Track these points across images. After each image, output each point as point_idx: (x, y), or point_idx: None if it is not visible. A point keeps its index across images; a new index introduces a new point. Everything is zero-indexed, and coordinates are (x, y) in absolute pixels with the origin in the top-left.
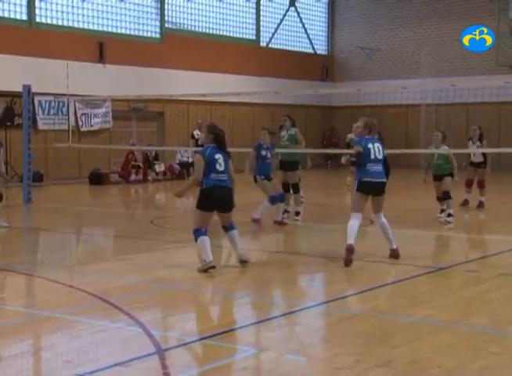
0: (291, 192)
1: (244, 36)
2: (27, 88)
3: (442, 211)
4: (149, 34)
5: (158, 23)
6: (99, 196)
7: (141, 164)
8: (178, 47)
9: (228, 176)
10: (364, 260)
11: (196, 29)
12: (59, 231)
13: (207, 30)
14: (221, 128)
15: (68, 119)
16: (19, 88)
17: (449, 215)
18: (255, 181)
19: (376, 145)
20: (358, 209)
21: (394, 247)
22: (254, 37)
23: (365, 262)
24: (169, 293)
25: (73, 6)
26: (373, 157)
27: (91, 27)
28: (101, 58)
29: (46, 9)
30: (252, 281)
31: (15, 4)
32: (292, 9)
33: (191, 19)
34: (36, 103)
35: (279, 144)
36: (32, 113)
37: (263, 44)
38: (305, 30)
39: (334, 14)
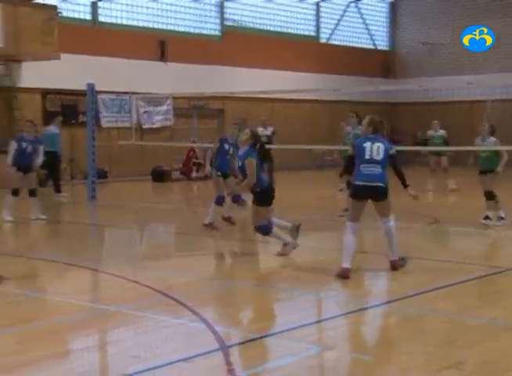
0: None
1: (304, 32)
2: (91, 86)
3: (487, 217)
4: (209, 32)
5: (218, 21)
6: (161, 193)
7: (202, 161)
8: (238, 44)
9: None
10: (430, 259)
11: (256, 26)
12: (122, 227)
13: (267, 27)
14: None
15: (130, 117)
16: (83, 87)
17: (501, 218)
18: (210, 175)
19: (377, 144)
20: (353, 218)
21: (393, 258)
22: (313, 34)
23: (431, 261)
24: (232, 290)
25: (135, 5)
26: (368, 157)
27: (152, 26)
28: (162, 56)
29: (109, 9)
30: (314, 279)
31: (79, 4)
32: (352, 4)
33: (251, 17)
34: (99, 101)
35: (344, 141)
36: (95, 111)
37: (323, 40)
38: (366, 25)
39: (396, 9)
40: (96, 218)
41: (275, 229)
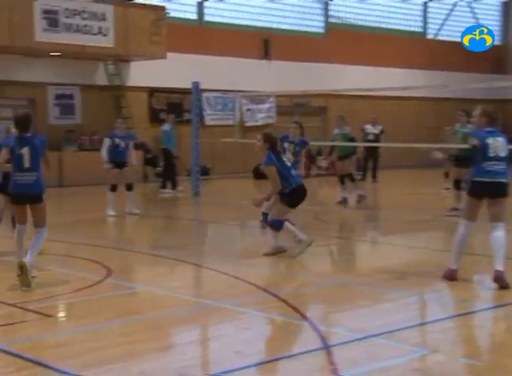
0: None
1: (410, 28)
2: (196, 85)
3: None
4: (313, 30)
5: (322, 18)
6: (263, 190)
7: (303, 159)
8: (342, 41)
9: None
10: None
11: (360, 22)
12: (225, 224)
13: (372, 24)
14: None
15: (234, 115)
16: (189, 85)
17: None
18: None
19: (499, 140)
20: (469, 216)
21: (499, 268)
22: (420, 30)
23: None
24: (334, 288)
25: (240, 4)
26: (492, 154)
27: (256, 25)
28: (266, 54)
29: (215, 8)
30: (418, 280)
31: (185, 4)
32: None
33: (355, 13)
34: (203, 99)
35: (453, 140)
36: (200, 109)
37: (430, 36)
38: (477, 19)
39: (510, 3)
40: (199, 215)
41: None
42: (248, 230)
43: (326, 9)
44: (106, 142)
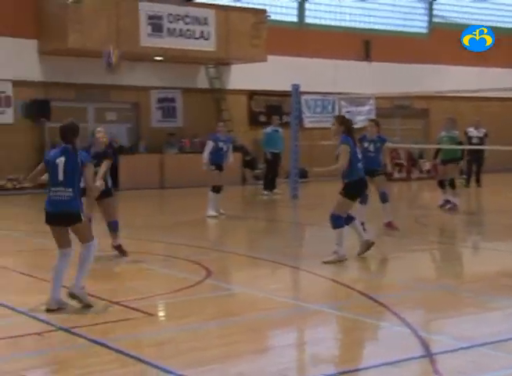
0: None
1: None
2: (296, 87)
3: None
4: (415, 30)
5: (426, 18)
6: None
7: (404, 162)
8: (445, 41)
9: None
10: None
11: (466, 21)
12: (323, 226)
13: (478, 22)
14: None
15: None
16: (288, 88)
17: None
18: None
19: None
20: None
21: None
22: None
23: None
24: (437, 294)
25: (340, 6)
26: None
27: (357, 26)
28: (366, 56)
29: (315, 10)
30: None
31: (286, 7)
32: None
33: (460, 12)
34: (303, 101)
35: None
36: (299, 111)
37: None
38: None
39: None
40: (297, 217)
41: (354, 225)
42: (346, 233)
43: (431, 9)
44: (210, 144)
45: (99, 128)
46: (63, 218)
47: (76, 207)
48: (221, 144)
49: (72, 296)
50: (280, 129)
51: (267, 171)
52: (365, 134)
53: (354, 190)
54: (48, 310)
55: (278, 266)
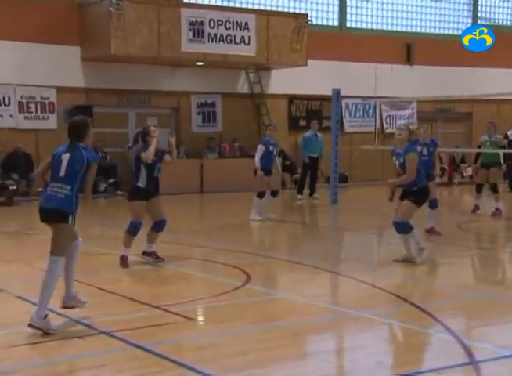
0: None
1: None
2: (336, 91)
3: None
4: (458, 33)
5: (470, 21)
6: None
7: (446, 167)
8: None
9: None
10: None
11: (510, 24)
12: (363, 231)
13: None
14: None
15: (374, 121)
16: (328, 92)
17: None
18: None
19: None
20: None
21: None
22: None
23: None
24: (479, 301)
25: (381, 9)
26: None
27: (399, 29)
28: (408, 59)
29: (356, 14)
30: None
31: (327, 11)
32: None
33: (505, 14)
34: (343, 105)
35: None
36: (339, 115)
37: None
38: None
39: None
40: (337, 222)
41: (413, 234)
42: (386, 238)
43: (476, 11)
44: (261, 149)
45: (153, 128)
46: (49, 214)
47: (67, 207)
48: (271, 148)
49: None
50: (319, 134)
51: (302, 175)
52: (418, 138)
53: (423, 197)
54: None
55: (317, 271)
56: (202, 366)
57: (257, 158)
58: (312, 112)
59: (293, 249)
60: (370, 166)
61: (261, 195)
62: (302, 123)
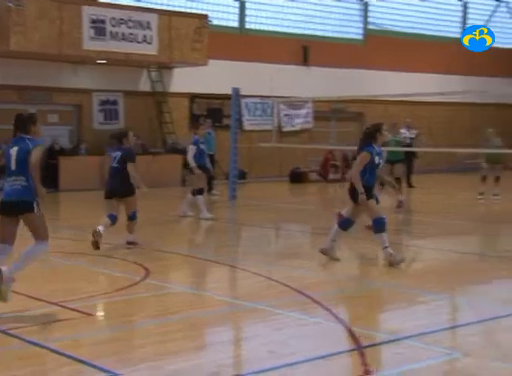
0: None
1: (448, 34)
2: (236, 91)
3: None
4: (352, 36)
5: (361, 25)
6: (298, 193)
7: (339, 164)
8: (380, 48)
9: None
10: None
11: (399, 29)
12: (260, 226)
13: (410, 30)
14: None
15: (272, 120)
16: (229, 91)
17: None
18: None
19: None
20: None
21: None
22: (457, 36)
23: None
24: (367, 291)
25: (280, 12)
26: None
27: (296, 31)
28: (305, 61)
29: (255, 16)
30: (451, 283)
31: (228, 13)
32: (502, 4)
33: (394, 20)
34: (242, 104)
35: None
36: (239, 114)
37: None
38: None
39: None
40: (235, 217)
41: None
42: (283, 233)
43: (365, 16)
44: (192, 149)
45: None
46: (14, 207)
47: (28, 196)
48: (201, 146)
49: None
50: (213, 132)
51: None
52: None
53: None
54: None
55: (215, 265)
56: (99, 361)
57: (190, 158)
58: (213, 110)
59: (192, 244)
60: (268, 163)
61: (201, 192)
62: (201, 121)
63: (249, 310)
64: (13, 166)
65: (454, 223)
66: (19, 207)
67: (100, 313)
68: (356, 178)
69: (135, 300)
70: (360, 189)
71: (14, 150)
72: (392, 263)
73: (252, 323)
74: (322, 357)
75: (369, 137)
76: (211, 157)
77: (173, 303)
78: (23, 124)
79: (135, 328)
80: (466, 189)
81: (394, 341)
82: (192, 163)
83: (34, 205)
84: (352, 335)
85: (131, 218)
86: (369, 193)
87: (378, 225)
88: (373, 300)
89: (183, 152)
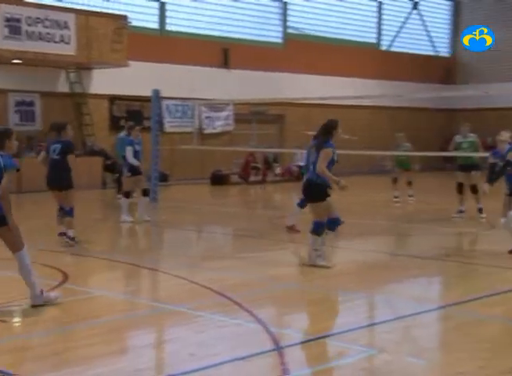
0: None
1: (365, 40)
2: (156, 92)
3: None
4: (271, 40)
5: (281, 29)
6: (219, 196)
7: (260, 166)
8: (299, 51)
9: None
10: (486, 265)
11: (318, 33)
12: (182, 229)
13: (328, 35)
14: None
15: (193, 122)
16: (149, 93)
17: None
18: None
19: None
20: None
21: None
22: (374, 41)
23: (487, 267)
24: (287, 291)
25: (200, 15)
26: None
27: (216, 34)
28: (225, 63)
29: (176, 18)
30: (367, 282)
31: (148, 14)
32: (414, 11)
33: (313, 24)
34: (163, 106)
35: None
36: (160, 116)
37: (384, 47)
38: (427, 32)
39: (459, 15)
40: (157, 220)
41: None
42: (205, 235)
43: (285, 20)
44: (130, 150)
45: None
46: None
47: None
48: (137, 147)
49: (37, 306)
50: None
51: (120, 175)
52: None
53: (324, 192)
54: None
55: (136, 269)
56: (18, 368)
57: (131, 159)
58: (133, 112)
59: (112, 247)
60: (190, 165)
61: (128, 195)
62: (123, 123)
63: (170, 313)
64: None
65: (372, 224)
66: None
67: (15, 320)
68: (326, 171)
69: (54, 305)
70: (334, 178)
71: None
72: (316, 265)
73: (173, 326)
74: (243, 358)
75: (327, 133)
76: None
77: (92, 307)
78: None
79: (51, 334)
80: (384, 191)
81: (313, 340)
82: (135, 162)
83: (6, 219)
84: (272, 336)
85: (69, 213)
86: (326, 192)
87: (318, 228)
88: (293, 300)
89: (102, 153)
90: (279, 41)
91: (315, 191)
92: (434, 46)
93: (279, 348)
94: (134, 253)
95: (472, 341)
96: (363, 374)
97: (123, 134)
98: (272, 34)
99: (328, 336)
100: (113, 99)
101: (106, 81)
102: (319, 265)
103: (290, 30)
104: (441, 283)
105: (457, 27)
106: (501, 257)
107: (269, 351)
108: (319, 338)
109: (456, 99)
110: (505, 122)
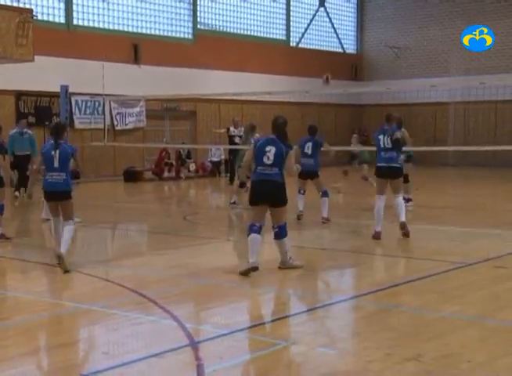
0: None
1: (274, 36)
2: (65, 88)
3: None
4: (182, 35)
5: (191, 25)
6: (133, 193)
7: (174, 162)
8: (210, 47)
9: (280, 170)
10: (393, 256)
11: (228, 30)
12: (95, 227)
13: (238, 31)
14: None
15: (104, 118)
16: (57, 89)
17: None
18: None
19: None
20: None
21: (403, 220)
22: (284, 38)
23: (394, 258)
24: (202, 287)
25: (109, 9)
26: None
27: (126, 29)
28: (136, 59)
29: (83, 12)
30: (281, 276)
31: (53, 7)
32: (321, 9)
33: (222, 21)
34: (73, 102)
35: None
36: (69, 112)
37: (293, 44)
38: (334, 29)
39: (363, 13)
40: None
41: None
42: (119, 232)
43: (195, 16)
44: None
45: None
46: None
47: None
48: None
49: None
50: (30, 131)
51: (18, 173)
52: None
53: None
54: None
55: (48, 268)
56: None
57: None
58: (41, 108)
59: (22, 246)
60: (102, 162)
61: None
62: (31, 120)
63: (83, 312)
64: None
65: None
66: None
67: None
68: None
69: None
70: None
71: None
72: (292, 266)
73: (87, 325)
74: (156, 355)
75: (285, 134)
76: (23, 157)
77: (3, 309)
78: None
79: None
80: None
81: (227, 334)
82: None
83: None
84: (187, 332)
85: None
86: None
87: (285, 230)
88: (207, 296)
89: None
90: (190, 37)
91: (284, 194)
92: (341, 43)
93: (194, 344)
94: (46, 252)
95: (379, 330)
96: (276, 366)
97: (14, 131)
98: (183, 30)
99: (243, 330)
100: (19, 95)
101: (11, 77)
102: (294, 267)
103: (200, 26)
104: (351, 275)
105: (362, 24)
106: (406, 247)
107: (184, 347)
108: (234, 331)
109: (363, 94)
110: (407, 117)
